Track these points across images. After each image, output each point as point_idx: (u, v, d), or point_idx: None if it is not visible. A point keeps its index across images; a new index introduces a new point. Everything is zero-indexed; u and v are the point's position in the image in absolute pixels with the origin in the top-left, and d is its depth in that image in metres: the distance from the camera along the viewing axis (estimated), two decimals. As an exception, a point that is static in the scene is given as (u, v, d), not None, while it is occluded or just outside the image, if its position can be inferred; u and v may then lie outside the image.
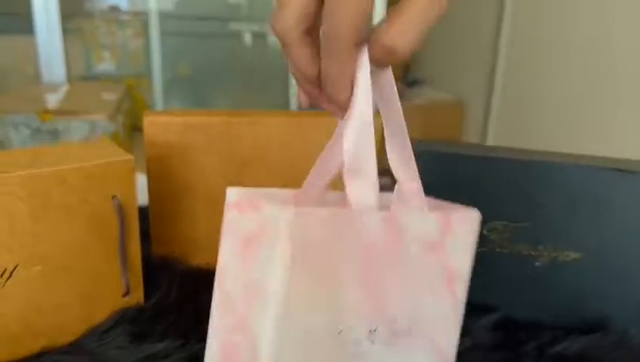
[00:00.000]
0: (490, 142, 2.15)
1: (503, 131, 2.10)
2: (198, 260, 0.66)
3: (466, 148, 0.61)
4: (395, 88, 0.36)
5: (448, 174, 0.57)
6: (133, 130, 1.72)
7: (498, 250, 0.56)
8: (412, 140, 0.36)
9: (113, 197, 0.52)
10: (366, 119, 0.33)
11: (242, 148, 0.64)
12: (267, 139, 0.64)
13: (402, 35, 0.31)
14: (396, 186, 0.38)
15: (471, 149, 0.59)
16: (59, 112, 1.45)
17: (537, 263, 0.55)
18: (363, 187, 0.33)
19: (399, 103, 0.36)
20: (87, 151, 0.54)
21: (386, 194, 0.37)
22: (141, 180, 0.59)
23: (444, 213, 0.38)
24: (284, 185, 0.35)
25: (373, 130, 0.33)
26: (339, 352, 0.32)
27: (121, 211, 0.53)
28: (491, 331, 0.54)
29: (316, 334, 0.31)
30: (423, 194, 0.38)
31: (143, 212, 0.60)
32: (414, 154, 0.36)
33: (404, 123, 0.36)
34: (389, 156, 0.37)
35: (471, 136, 2.31)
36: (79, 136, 1.44)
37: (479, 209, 0.56)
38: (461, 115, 2.34)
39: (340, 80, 0.33)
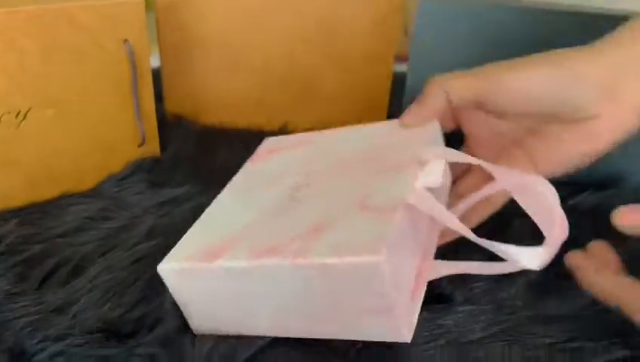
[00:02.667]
0: None
1: None
2: (211, 119, 0.65)
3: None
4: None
5: (468, 28, 0.54)
6: None
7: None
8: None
9: (125, 40, 0.50)
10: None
11: None
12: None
13: None
14: None
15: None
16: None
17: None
18: None
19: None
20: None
21: None
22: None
23: None
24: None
25: None
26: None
27: (133, 56, 0.51)
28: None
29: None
30: None
31: (156, 73, 0.58)
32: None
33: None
34: None
35: None
36: None
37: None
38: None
39: None
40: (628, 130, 0.37)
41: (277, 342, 0.35)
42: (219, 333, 0.36)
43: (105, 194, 0.52)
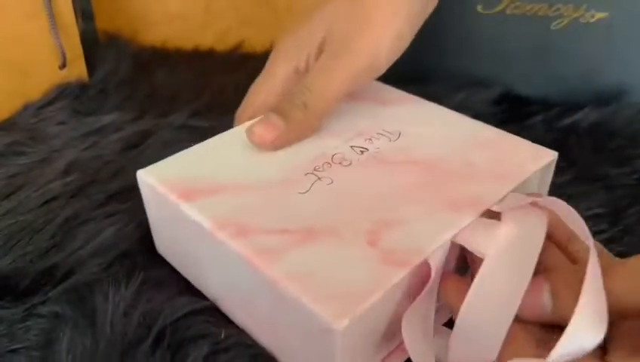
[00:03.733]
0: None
1: None
2: (151, 38, 0.56)
3: None
4: None
5: None
6: None
7: (509, 11, 0.47)
8: None
9: None
10: None
11: None
12: None
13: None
14: None
15: None
16: None
17: (554, 26, 0.47)
18: None
19: None
20: None
21: None
22: None
23: None
24: None
25: None
26: None
27: (41, -44, 0.42)
28: (493, 105, 0.48)
29: None
30: None
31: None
32: None
33: None
34: None
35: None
36: None
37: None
38: None
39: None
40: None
41: (204, 311, 0.28)
42: (175, 266, 0.31)
43: (20, 125, 0.43)
